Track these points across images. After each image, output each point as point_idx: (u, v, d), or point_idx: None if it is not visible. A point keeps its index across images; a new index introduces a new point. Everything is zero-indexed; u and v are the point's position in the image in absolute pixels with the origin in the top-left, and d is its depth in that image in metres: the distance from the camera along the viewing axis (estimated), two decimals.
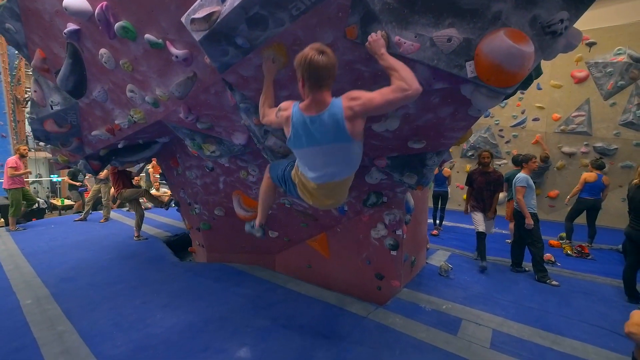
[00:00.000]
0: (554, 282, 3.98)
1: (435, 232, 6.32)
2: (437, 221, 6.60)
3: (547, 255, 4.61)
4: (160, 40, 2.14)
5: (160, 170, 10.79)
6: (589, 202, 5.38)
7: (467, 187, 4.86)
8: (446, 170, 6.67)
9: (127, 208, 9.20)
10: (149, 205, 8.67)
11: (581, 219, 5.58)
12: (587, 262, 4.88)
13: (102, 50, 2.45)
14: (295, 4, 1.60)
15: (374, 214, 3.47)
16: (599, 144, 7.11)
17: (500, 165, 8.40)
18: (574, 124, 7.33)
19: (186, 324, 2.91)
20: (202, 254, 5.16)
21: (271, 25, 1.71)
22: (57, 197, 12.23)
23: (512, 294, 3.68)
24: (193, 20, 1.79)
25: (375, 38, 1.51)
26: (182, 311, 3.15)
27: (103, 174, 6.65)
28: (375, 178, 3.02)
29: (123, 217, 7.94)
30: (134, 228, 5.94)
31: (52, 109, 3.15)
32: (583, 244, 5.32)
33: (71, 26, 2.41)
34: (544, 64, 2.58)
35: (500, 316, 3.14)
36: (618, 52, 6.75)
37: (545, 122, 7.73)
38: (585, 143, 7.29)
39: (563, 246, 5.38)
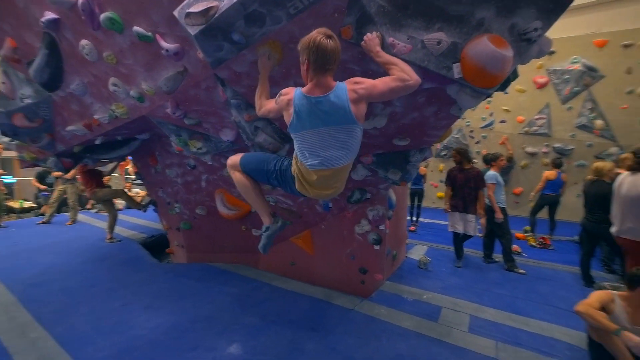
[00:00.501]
0: (521, 271, 4.32)
1: (412, 228, 6.59)
2: (414, 218, 6.88)
3: (515, 247, 4.97)
4: (149, 34, 2.10)
5: (126, 170, 10.33)
6: (550, 198, 5.87)
7: (445, 186, 4.80)
8: (422, 168, 6.97)
9: (96, 210, 8.73)
10: (120, 206, 8.26)
11: (543, 214, 6.07)
12: (549, 252, 5.32)
13: (84, 42, 2.36)
14: (294, 3, 1.65)
15: (358, 210, 3.58)
16: (557, 145, 7.75)
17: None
18: (536, 126, 7.94)
19: (172, 324, 2.85)
20: (181, 255, 5.02)
21: (268, 23, 1.75)
22: (13, 198, 11.28)
23: (485, 282, 3.94)
24: (188, 15, 1.78)
25: (371, 37, 1.60)
26: (166, 312, 3.07)
27: (70, 173, 6.27)
28: (360, 174, 3.12)
29: (91, 219, 7.52)
30: (106, 230, 5.66)
31: (22, 102, 2.95)
32: (545, 236, 5.79)
33: (49, 15, 2.29)
34: None
35: (476, 303, 3.37)
36: (574, 60, 7.41)
37: (511, 124, 8.30)
38: (545, 144, 7.92)
39: (528, 238, 5.83)
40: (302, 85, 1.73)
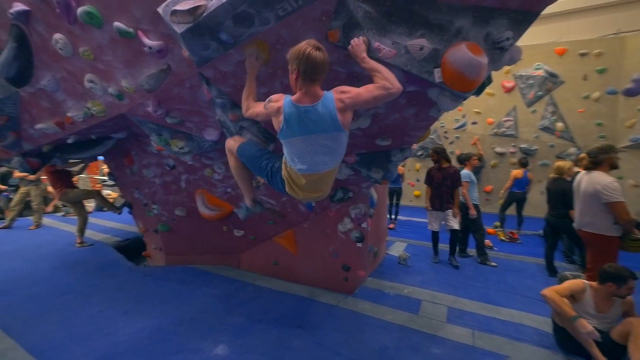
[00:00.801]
0: (492, 264, 4.59)
1: (391, 225, 6.78)
2: (393, 216, 7.09)
3: (487, 242, 5.27)
4: (131, 30, 2.05)
5: (101, 171, 9.83)
6: (517, 195, 6.27)
7: (425, 186, 4.85)
8: (400, 168, 7.18)
9: (63, 213, 8.22)
10: (90, 209, 7.85)
11: (511, 210, 6.47)
12: (517, 245, 5.69)
13: (58, 36, 2.25)
14: (282, 5, 1.68)
15: (340, 209, 3.66)
16: (523, 145, 8.27)
17: None
18: (504, 128, 8.43)
19: (154, 328, 2.78)
20: (159, 258, 4.87)
21: (256, 23, 1.77)
22: None
23: (460, 275, 4.16)
24: (174, 12, 1.76)
25: (358, 42, 1.66)
26: (148, 316, 2.99)
27: (34, 175, 5.87)
28: (344, 174, 3.20)
29: (57, 223, 7.09)
30: (76, 234, 5.37)
31: None
32: (513, 231, 6.18)
33: (19, 6, 2.16)
34: None
35: (453, 295, 3.55)
36: (537, 67, 7.95)
37: (482, 126, 8.76)
38: (513, 144, 8.43)
39: (498, 233, 6.19)
40: (288, 86, 1.79)
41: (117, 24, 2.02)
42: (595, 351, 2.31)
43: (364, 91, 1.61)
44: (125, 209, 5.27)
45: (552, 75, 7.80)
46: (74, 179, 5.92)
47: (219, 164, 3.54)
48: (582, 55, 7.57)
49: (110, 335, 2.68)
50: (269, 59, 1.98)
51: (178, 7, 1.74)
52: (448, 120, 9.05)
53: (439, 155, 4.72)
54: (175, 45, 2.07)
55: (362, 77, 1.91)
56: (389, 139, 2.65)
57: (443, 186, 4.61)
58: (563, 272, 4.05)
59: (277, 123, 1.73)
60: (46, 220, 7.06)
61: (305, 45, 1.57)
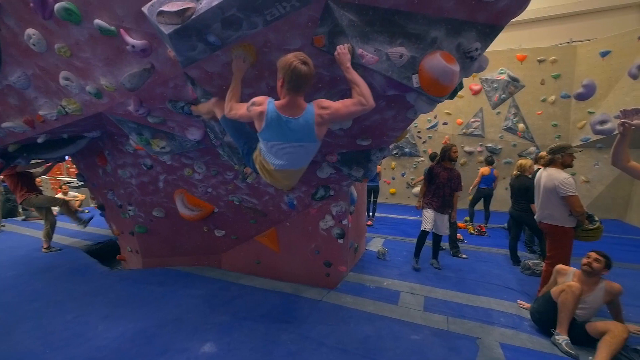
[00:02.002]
0: (463, 256, 4.91)
1: (369, 222, 7.00)
2: (371, 213, 7.32)
3: (458, 235, 5.60)
4: (113, 28, 2.02)
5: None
6: (485, 191, 6.72)
7: (420, 183, 4.89)
8: (377, 167, 7.42)
9: (23, 217, 7.67)
10: (55, 211, 7.38)
11: (479, 205, 6.92)
12: (485, 238, 6.11)
13: (31, 31, 2.16)
14: (271, 10, 1.74)
15: (322, 206, 3.76)
16: (489, 144, 8.84)
17: (418, 162, 9.69)
18: (472, 128, 8.96)
19: (137, 331, 2.73)
20: (135, 261, 4.72)
21: (245, 27, 1.82)
22: None
23: (435, 267, 4.41)
24: (161, 13, 1.77)
25: (343, 51, 1.76)
26: (129, 319, 2.92)
27: None
28: (326, 172, 3.31)
29: (18, 228, 6.63)
30: (42, 239, 5.06)
31: None
32: (482, 225, 6.62)
33: None
34: None
35: (429, 285, 3.78)
36: (501, 71, 8.53)
37: (452, 126, 9.24)
38: (480, 144, 8.98)
39: (468, 227, 6.61)
40: (274, 87, 1.87)
41: (98, 21, 1.99)
42: (565, 319, 2.59)
43: (342, 106, 1.75)
44: (97, 212, 5.04)
45: (514, 79, 8.41)
46: (38, 180, 5.57)
47: (199, 163, 3.52)
48: (540, 61, 8.23)
49: (90, 340, 2.60)
50: (255, 61, 2.03)
51: (165, 8, 1.75)
52: (421, 120, 9.45)
53: (444, 154, 4.40)
54: (160, 44, 2.07)
55: (344, 81, 2.02)
56: (369, 139, 2.79)
57: (447, 187, 4.32)
58: (525, 260, 4.44)
59: (259, 125, 1.83)
60: (5, 225, 6.57)
61: (293, 58, 1.67)
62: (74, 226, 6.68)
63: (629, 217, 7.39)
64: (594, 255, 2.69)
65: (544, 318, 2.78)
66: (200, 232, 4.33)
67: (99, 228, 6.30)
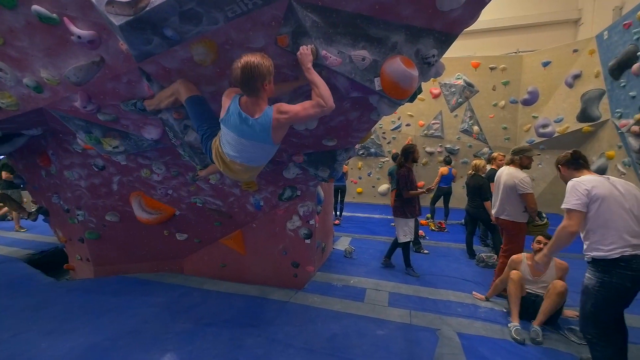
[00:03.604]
0: (425, 251, 5.16)
1: (337, 221, 7.09)
2: (338, 212, 7.41)
3: (420, 232, 5.88)
4: (54, 15, 1.84)
5: None
6: (444, 190, 7.11)
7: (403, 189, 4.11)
8: (344, 166, 7.53)
9: None
10: None
11: (439, 203, 7.31)
12: (444, 234, 6.47)
13: None
14: (232, 7, 1.70)
15: (289, 207, 3.74)
16: (448, 145, 9.37)
17: (383, 162, 10.00)
18: (433, 130, 9.44)
19: (88, 346, 2.51)
20: (86, 270, 4.35)
21: (204, 22, 1.75)
22: None
23: (399, 264, 4.56)
24: (111, 2, 1.65)
25: (306, 52, 1.76)
26: (78, 334, 2.68)
27: None
28: (292, 173, 3.30)
29: None
30: None
31: None
32: (441, 221, 7.00)
33: None
34: None
35: (393, 282, 3.92)
36: (457, 77, 9.08)
37: (414, 128, 9.66)
38: (440, 145, 9.48)
39: (429, 224, 6.95)
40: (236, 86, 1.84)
41: (36, 7, 1.80)
42: (514, 307, 2.89)
43: (301, 109, 1.74)
44: (40, 217, 4.57)
45: (469, 84, 9.00)
46: None
47: (158, 164, 3.32)
48: (492, 69, 8.89)
49: (32, 359, 2.35)
50: (216, 58, 1.97)
51: None
52: (386, 121, 9.76)
53: (408, 155, 4.14)
54: (110, 36, 1.92)
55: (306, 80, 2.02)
56: (334, 140, 2.82)
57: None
58: (480, 254, 4.76)
59: (223, 112, 1.84)
60: None
61: (237, 62, 1.67)
62: (11, 234, 6.00)
63: None
64: (543, 240, 3.01)
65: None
66: (160, 236, 4.09)
67: (43, 235, 5.72)
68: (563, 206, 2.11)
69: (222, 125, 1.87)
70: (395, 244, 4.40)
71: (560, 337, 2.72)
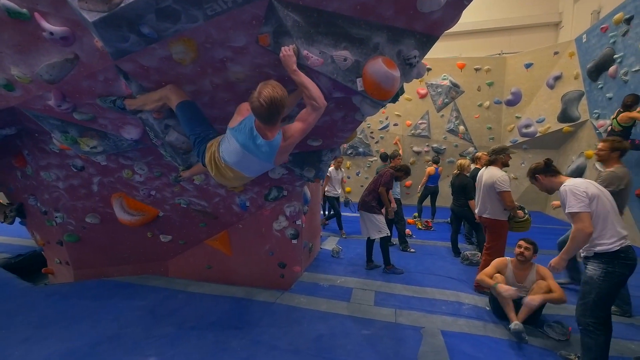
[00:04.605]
0: (411, 250, 5.21)
1: (325, 222, 7.08)
2: (326, 212, 7.40)
3: (407, 231, 5.93)
4: (25, 10, 1.76)
5: None
6: (431, 189, 7.20)
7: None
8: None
9: None
10: None
11: (426, 201, 7.39)
12: (431, 232, 6.55)
13: None
14: (211, 5, 1.66)
15: (275, 207, 3.71)
16: (435, 145, 9.50)
17: (371, 162, 10.05)
18: (420, 129, 9.55)
19: (66, 353, 2.43)
20: (65, 273, 4.22)
21: (183, 20, 1.71)
22: None
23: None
24: None
25: (289, 54, 1.74)
26: (56, 340, 2.59)
27: None
28: (278, 173, 3.27)
29: None
30: None
31: None
32: (428, 220, 7.08)
33: None
34: None
35: (379, 281, 3.94)
36: (444, 77, 9.20)
37: (402, 127, 9.75)
38: (427, 144, 9.60)
39: (416, 222, 7.02)
40: (218, 85, 1.93)
41: (5, 2, 1.72)
42: (510, 310, 2.85)
43: (302, 124, 1.80)
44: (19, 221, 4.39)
45: (455, 85, 9.15)
46: None
47: (140, 164, 3.24)
48: (477, 70, 9.05)
49: None
50: (196, 57, 1.93)
51: None
52: (374, 121, 9.82)
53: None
54: (85, 32, 1.86)
55: (292, 81, 2.01)
56: (319, 140, 2.81)
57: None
58: (464, 252, 4.85)
59: (235, 122, 1.86)
60: None
61: (257, 95, 1.65)
62: None
63: (549, 209, 8.46)
64: (524, 244, 3.03)
65: (497, 306, 3.04)
66: (144, 238, 4.00)
67: (19, 238, 5.51)
68: (568, 211, 2.16)
69: (229, 133, 1.87)
70: (371, 244, 4.44)
71: (540, 334, 2.79)
